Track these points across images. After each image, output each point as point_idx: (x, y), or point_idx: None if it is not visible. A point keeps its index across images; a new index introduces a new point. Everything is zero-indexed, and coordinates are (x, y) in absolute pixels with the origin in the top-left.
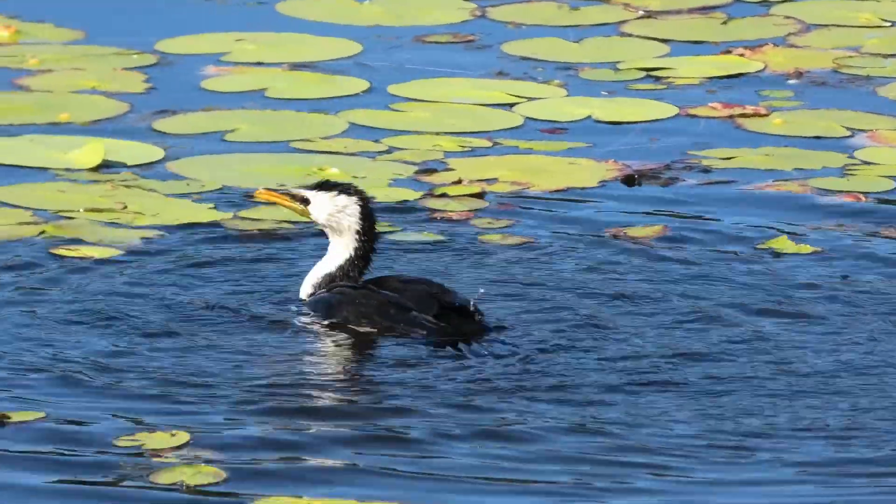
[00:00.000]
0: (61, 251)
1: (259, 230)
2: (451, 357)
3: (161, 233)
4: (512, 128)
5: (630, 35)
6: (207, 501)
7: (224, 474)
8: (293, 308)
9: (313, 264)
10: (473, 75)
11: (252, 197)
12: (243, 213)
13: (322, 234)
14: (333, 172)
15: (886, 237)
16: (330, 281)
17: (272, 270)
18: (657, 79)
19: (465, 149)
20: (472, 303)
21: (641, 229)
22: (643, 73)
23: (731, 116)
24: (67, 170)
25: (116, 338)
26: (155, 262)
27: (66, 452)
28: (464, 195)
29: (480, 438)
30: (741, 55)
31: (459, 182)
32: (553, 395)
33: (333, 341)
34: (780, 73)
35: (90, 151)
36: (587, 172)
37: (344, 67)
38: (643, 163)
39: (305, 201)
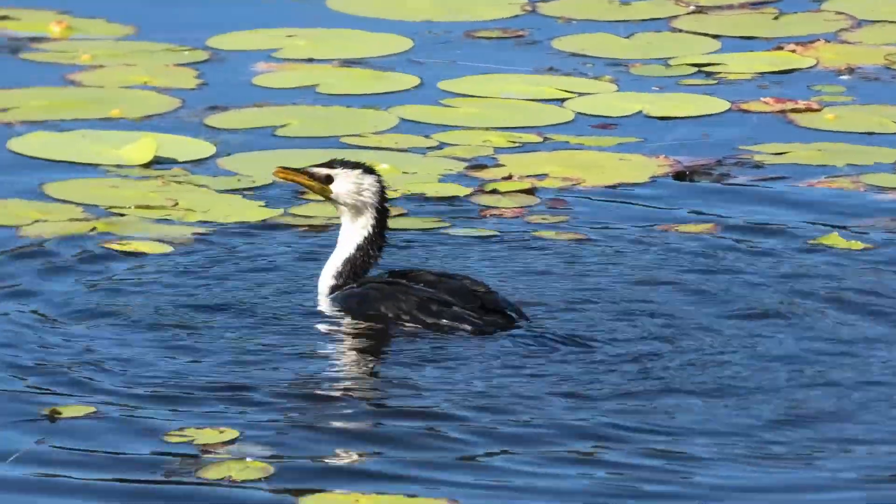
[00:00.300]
0: (112, 247)
1: (309, 226)
2: (496, 355)
3: (211, 229)
4: (562, 123)
5: (681, 31)
6: (254, 497)
7: (271, 470)
8: (324, 304)
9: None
10: (524, 71)
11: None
12: (294, 210)
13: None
14: (384, 168)
15: None
16: (352, 266)
17: (320, 267)
18: (708, 74)
19: (516, 144)
20: (514, 308)
21: (693, 226)
22: (694, 69)
23: (782, 112)
24: (119, 166)
25: (164, 334)
26: (204, 259)
27: (115, 448)
28: (514, 191)
29: (530, 438)
30: (792, 51)
31: (509, 178)
32: (607, 392)
33: (374, 338)
34: (831, 68)
35: (142, 147)
36: (638, 168)
37: (394, 63)
38: (694, 158)
39: (328, 179)
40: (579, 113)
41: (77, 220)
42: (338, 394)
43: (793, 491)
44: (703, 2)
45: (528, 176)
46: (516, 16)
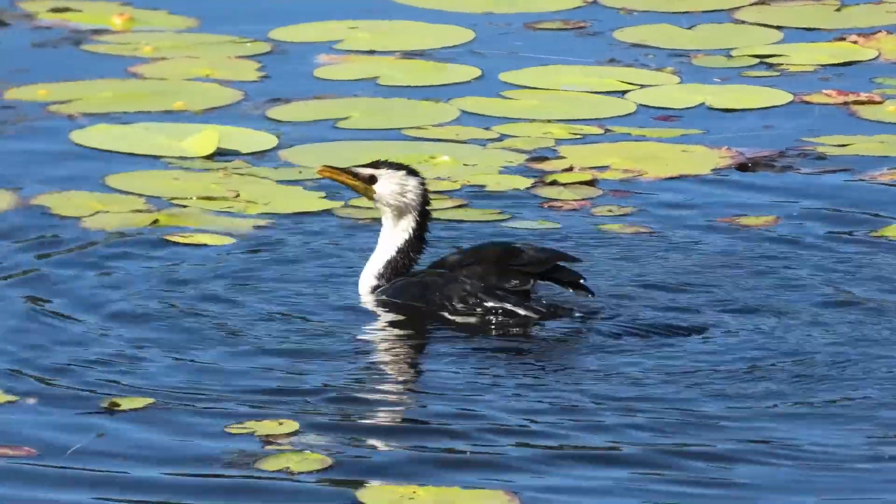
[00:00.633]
0: (173, 239)
1: (371, 219)
2: (557, 344)
3: (272, 221)
4: (624, 115)
5: (743, 22)
6: (312, 488)
7: (329, 462)
8: (369, 300)
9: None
10: (585, 62)
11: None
12: (354, 202)
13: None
14: (444, 160)
15: None
16: (392, 268)
17: None
18: (770, 66)
19: (577, 136)
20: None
21: (754, 218)
22: (756, 60)
23: (845, 104)
24: (181, 157)
25: (224, 326)
26: (264, 251)
27: (173, 440)
28: (575, 183)
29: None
30: (854, 42)
31: (571, 169)
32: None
33: (429, 328)
34: (893, 60)
35: (204, 139)
36: (700, 159)
37: (455, 55)
38: (757, 150)
39: (371, 179)
40: (641, 104)
41: (139, 211)
42: (394, 386)
43: None
44: None
45: (589, 168)
46: (577, 7)
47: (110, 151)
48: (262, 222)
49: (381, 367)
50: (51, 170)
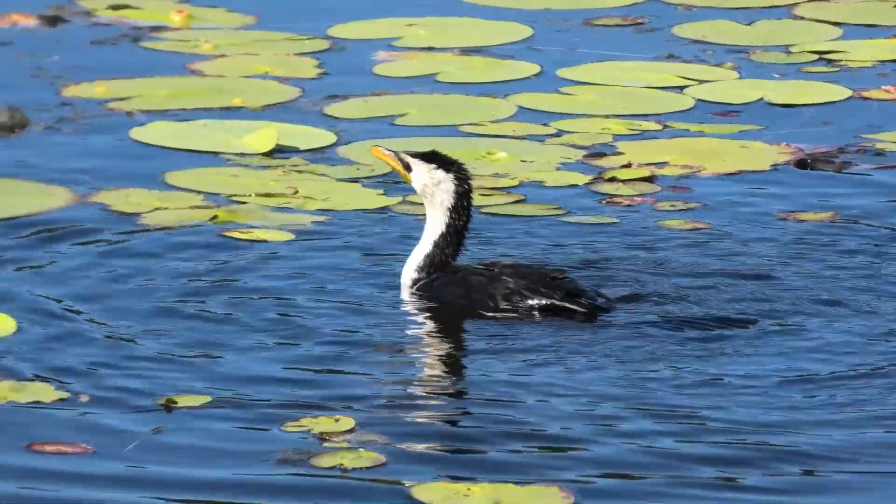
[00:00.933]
0: (232, 235)
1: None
2: (604, 340)
3: (330, 217)
4: (683, 110)
5: (802, 18)
6: (367, 485)
7: (384, 459)
8: (408, 295)
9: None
10: (644, 58)
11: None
12: (411, 198)
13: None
14: (501, 157)
15: None
16: (431, 261)
17: None
18: (829, 62)
19: (635, 132)
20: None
21: (812, 214)
22: (816, 56)
23: None
24: (240, 154)
25: (280, 323)
26: (322, 247)
27: (230, 437)
28: (633, 179)
29: (639, 426)
30: None
31: (629, 166)
32: (723, 381)
33: (477, 326)
34: None
35: (263, 136)
36: (759, 156)
37: (514, 51)
38: (816, 146)
39: (408, 168)
40: (700, 100)
41: (198, 208)
42: (445, 383)
43: None
44: None
45: (647, 164)
46: (636, 3)
47: (169, 148)
48: (319, 219)
49: (433, 364)
50: (110, 167)
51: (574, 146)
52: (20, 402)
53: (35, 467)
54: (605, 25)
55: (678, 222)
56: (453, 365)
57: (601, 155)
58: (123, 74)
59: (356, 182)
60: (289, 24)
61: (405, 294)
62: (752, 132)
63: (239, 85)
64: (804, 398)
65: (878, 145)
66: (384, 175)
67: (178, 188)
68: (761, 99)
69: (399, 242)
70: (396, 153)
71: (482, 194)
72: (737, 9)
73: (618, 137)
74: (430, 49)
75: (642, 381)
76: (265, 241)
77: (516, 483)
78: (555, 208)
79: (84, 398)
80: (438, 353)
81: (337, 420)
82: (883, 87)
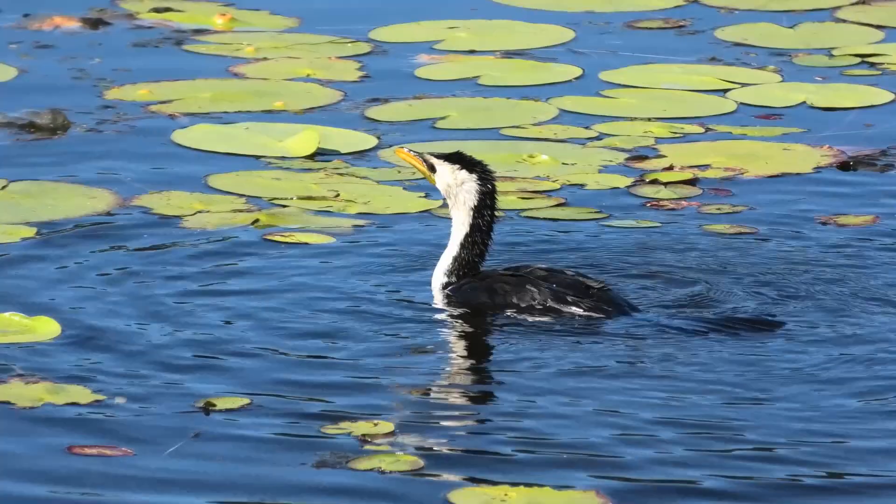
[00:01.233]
0: (274, 238)
1: None
2: (635, 346)
3: (371, 220)
4: (725, 113)
5: (844, 21)
6: (404, 489)
7: (421, 462)
8: (441, 299)
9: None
10: (685, 61)
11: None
12: None
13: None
14: (543, 159)
15: None
16: (459, 265)
17: None
18: (872, 65)
19: (677, 135)
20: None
21: (853, 217)
22: (858, 59)
23: None
24: (282, 157)
25: (318, 326)
26: (362, 251)
27: (268, 440)
28: (675, 182)
29: (677, 431)
30: None
31: (671, 168)
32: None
33: (509, 331)
34: None
35: (305, 139)
36: (801, 158)
37: (556, 54)
38: (858, 149)
39: (432, 168)
40: (742, 103)
41: (239, 211)
42: (483, 388)
43: None
44: None
45: (689, 166)
46: (678, 6)
47: (211, 151)
48: (360, 222)
49: (469, 368)
50: (152, 170)
51: (616, 149)
52: (57, 404)
53: (76, 469)
54: (646, 28)
55: (721, 226)
56: (489, 370)
57: (643, 158)
58: (166, 77)
59: (397, 185)
60: (331, 28)
61: (437, 298)
62: (795, 135)
63: (281, 88)
64: (847, 408)
65: None
66: (425, 178)
67: (220, 191)
68: (803, 102)
69: (439, 246)
70: (420, 154)
71: (523, 197)
72: (779, 12)
73: (660, 140)
74: (472, 52)
75: (678, 389)
76: (306, 245)
77: (553, 488)
78: (596, 211)
79: (120, 400)
80: (474, 357)
81: (375, 424)
82: None
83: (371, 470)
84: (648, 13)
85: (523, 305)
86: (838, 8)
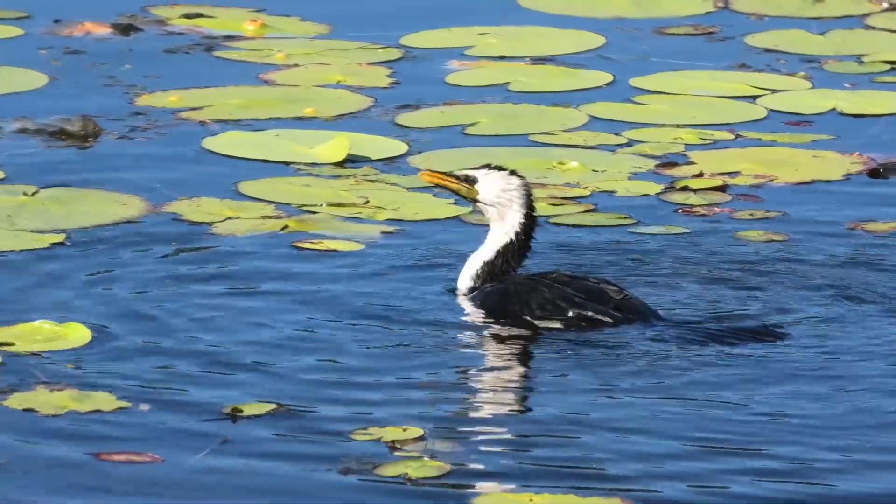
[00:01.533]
0: (302, 245)
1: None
2: (648, 351)
3: (400, 227)
4: (755, 120)
5: (875, 28)
6: (430, 495)
7: (448, 468)
8: (466, 304)
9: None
10: (715, 67)
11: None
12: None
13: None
14: (573, 166)
15: None
16: (489, 270)
17: None
18: None
19: (707, 141)
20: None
21: (881, 224)
22: (888, 66)
23: None
24: (312, 164)
25: (346, 332)
26: (391, 257)
27: (295, 446)
28: (705, 188)
29: (699, 438)
30: None
31: (701, 175)
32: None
33: (525, 336)
34: None
35: (336, 146)
36: (831, 165)
37: (586, 60)
38: (889, 156)
39: (471, 181)
40: (772, 110)
41: (269, 217)
42: (507, 394)
43: None
44: None
45: (719, 173)
46: (708, 12)
47: (241, 158)
48: (389, 229)
49: (494, 374)
50: (182, 176)
51: (645, 155)
52: (80, 411)
53: (106, 475)
54: (676, 34)
55: (752, 233)
56: (514, 375)
57: (673, 164)
58: (196, 84)
59: (427, 192)
60: (362, 34)
61: (463, 302)
62: (824, 142)
63: (311, 94)
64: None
65: None
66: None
67: (250, 198)
68: (833, 109)
69: (468, 253)
70: (449, 173)
71: (552, 204)
72: (809, 18)
73: (689, 147)
74: (502, 58)
75: (702, 400)
76: (335, 251)
77: (578, 494)
78: (625, 218)
79: (144, 407)
80: (499, 363)
81: (405, 429)
82: None
83: (397, 476)
84: (678, 19)
85: (533, 307)
86: (868, 15)
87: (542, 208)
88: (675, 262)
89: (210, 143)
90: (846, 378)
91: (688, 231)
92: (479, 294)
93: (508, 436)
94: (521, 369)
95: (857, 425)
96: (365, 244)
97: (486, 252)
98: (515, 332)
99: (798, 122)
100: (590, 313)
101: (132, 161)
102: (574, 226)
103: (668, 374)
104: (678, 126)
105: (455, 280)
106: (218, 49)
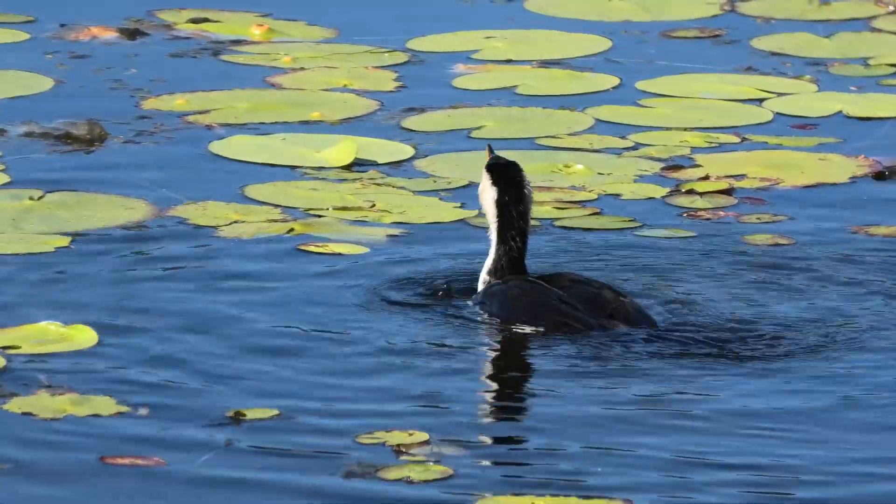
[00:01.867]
0: (308, 248)
1: None
2: (641, 354)
3: (406, 231)
4: (761, 123)
5: (881, 31)
6: (433, 499)
7: (451, 472)
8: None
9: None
10: (722, 71)
11: None
12: None
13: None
14: (579, 169)
15: None
16: (496, 268)
17: None
18: None
19: (713, 144)
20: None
21: (885, 228)
22: (894, 69)
23: None
24: (318, 168)
25: (351, 336)
26: (396, 261)
27: (298, 451)
28: (711, 191)
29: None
30: None
31: (707, 178)
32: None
33: (527, 339)
34: None
35: (343, 150)
36: (837, 168)
37: (593, 64)
38: (894, 159)
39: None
40: (778, 113)
41: (275, 221)
42: (512, 397)
43: None
44: None
45: (725, 176)
46: (714, 16)
47: (248, 162)
48: (395, 232)
49: (498, 377)
50: (188, 180)
51: (651, 159)
52: (79, 416)
53: (110, 478)
54: (683, 38)
55: (758, 236)
56: (517, 380)
57: (679, 167)
58: (203, 87)
59: (433, 195)
60: (368, 38)
61: (468, 304)
62: (830, 145)
63: (318, 98)
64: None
65: None
66: (461, 188)
67: (256, 201)
68: (839, 112)
69: (475, 255)
70: None
71: (558, 207)
72: (815, 21)
73: (695, 150)
74: (509, 62)
75: (703, 407)
76: (340, 255)
77: (580, 497)
78: (631, 221)
79: (143, 411)
80: (505, 366)
81: (410, 434)
82: None
83: (400, 480)
84: (685, 23)
85: (521, 313)
86: (875, 17)
87: (547, 211)
88: (681, 266)
89: (216, 147)
90: (850, 384)
91: (693, 234)
92: (480, 295)
93: (511, 440)
94: (524, 374)
95: (859, 430)
96: (370, 247)
97: (491, 251)
98: (519, 336)
99: (804, 125)
100: (567, 319)
101: (138, 165)
102: (580, 228)
103: (668, 379)
104: (684, 129)
105: (463, 281)
106: (224, 53)
